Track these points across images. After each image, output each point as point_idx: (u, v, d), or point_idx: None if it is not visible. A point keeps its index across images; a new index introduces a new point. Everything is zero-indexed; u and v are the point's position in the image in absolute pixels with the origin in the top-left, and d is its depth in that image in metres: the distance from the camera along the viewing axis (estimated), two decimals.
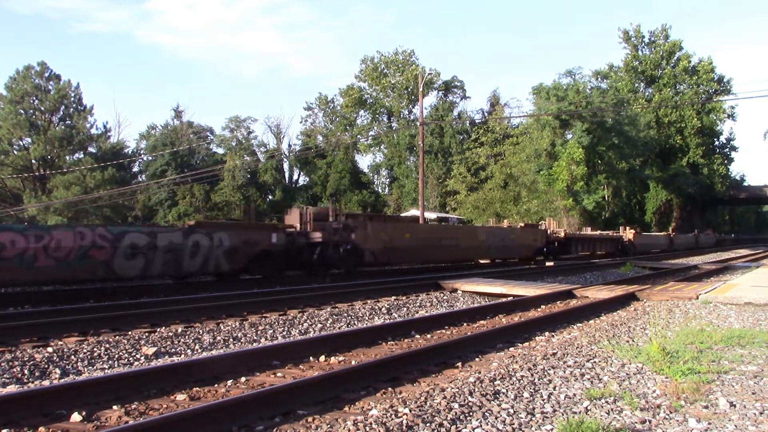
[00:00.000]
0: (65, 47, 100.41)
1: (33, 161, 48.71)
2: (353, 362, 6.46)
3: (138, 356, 7.06)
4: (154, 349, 7.30)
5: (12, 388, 5.61)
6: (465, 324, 9.49)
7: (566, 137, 48.43)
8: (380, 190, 64.68)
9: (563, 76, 52.59)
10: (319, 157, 60.64)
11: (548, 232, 30.78)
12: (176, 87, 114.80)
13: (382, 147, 63.10)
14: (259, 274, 16.17)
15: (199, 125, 62.86)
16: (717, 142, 65.91)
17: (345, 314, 10.38)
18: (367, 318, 10.33)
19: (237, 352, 6.88)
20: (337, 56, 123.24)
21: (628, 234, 39.00)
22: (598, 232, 41.99)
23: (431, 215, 41.48)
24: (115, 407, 4.78)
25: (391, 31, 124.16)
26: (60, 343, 7.42)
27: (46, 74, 50.05)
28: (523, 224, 32.10)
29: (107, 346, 7.28)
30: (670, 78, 61.47)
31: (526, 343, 7.71)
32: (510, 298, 12.62)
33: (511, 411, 4.50)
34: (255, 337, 8.37)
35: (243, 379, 5.73)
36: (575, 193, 47.00)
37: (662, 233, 49.70)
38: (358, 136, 62.93)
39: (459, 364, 6.40)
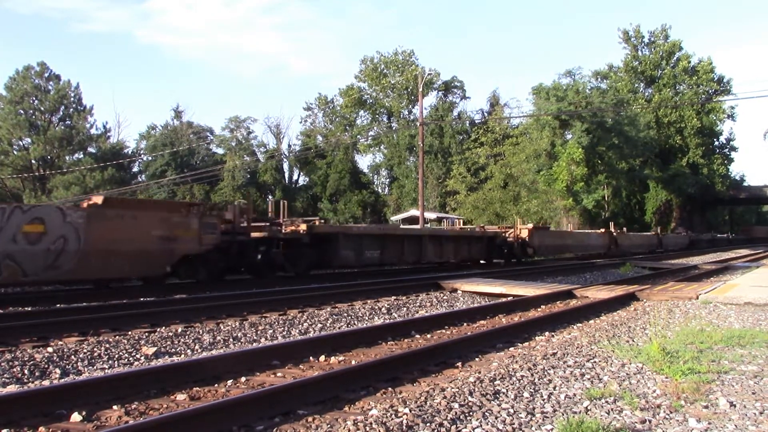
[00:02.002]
0: (65, 47, 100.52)
1: (33, 161, 48.76)
2: (353, 362, 6.45)
3: (138, 356, 7.06)
4: (154, 349, 7.30)
5: (12, 388, 5.61)
6: (465, 324, 9.48)
7: (566, 137, 48.40)
8: (380, 191, 64.69)
9: (563, 76, 52.65)
10: (319, 157, 60.63)
11: (242, 220, 15.86)
12: (176, 87, 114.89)
13: (381, 147, 63.11)
14: None
15: (199, 125, 63.04)
16: (717, 142, 65.82)
17: (345, 314, 10.38)
18: (367, 318, 10.33)
19: (237, 351, 6.88)
20: (337, 56, 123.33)
21: (521, 230, 25.67)
22: (447, 228, 28.38)
23: (431, 215, 41.51)
24: (115, 407, 4.78)
25: (391, 31, 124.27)
26: (60, 343, 7.41)
27: (46, 74, 50.11)
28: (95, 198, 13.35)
29: (107, 346, 7.28)
30: (669, 78, 61.44)
31: (526, 343, 7.71)
32: (510, 298, 12.62)
33: (511, 411, 4.50)
34: (255, 337, 8.36)
35: (243, 378, 5.73)
36: (575, 193, 46.97)
37: (599, 230, 36.09)
38: (358, 136, 62.93)
39: (459, 364, 6.40)
